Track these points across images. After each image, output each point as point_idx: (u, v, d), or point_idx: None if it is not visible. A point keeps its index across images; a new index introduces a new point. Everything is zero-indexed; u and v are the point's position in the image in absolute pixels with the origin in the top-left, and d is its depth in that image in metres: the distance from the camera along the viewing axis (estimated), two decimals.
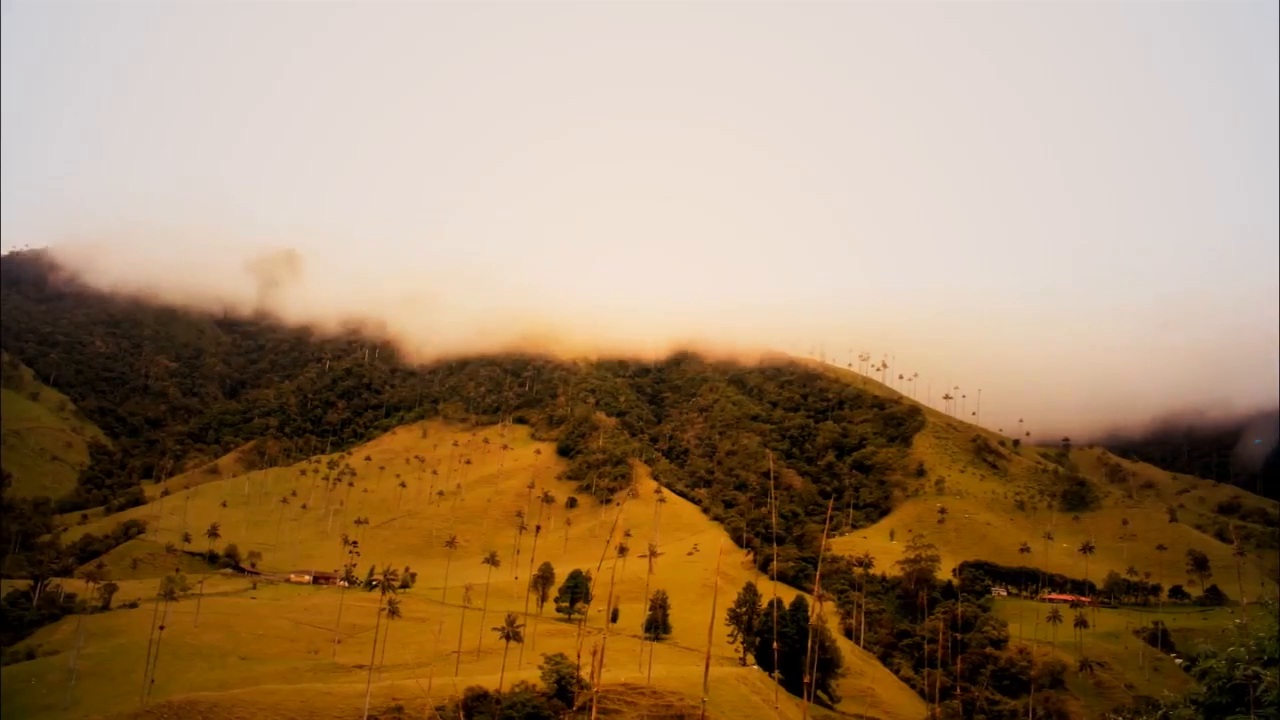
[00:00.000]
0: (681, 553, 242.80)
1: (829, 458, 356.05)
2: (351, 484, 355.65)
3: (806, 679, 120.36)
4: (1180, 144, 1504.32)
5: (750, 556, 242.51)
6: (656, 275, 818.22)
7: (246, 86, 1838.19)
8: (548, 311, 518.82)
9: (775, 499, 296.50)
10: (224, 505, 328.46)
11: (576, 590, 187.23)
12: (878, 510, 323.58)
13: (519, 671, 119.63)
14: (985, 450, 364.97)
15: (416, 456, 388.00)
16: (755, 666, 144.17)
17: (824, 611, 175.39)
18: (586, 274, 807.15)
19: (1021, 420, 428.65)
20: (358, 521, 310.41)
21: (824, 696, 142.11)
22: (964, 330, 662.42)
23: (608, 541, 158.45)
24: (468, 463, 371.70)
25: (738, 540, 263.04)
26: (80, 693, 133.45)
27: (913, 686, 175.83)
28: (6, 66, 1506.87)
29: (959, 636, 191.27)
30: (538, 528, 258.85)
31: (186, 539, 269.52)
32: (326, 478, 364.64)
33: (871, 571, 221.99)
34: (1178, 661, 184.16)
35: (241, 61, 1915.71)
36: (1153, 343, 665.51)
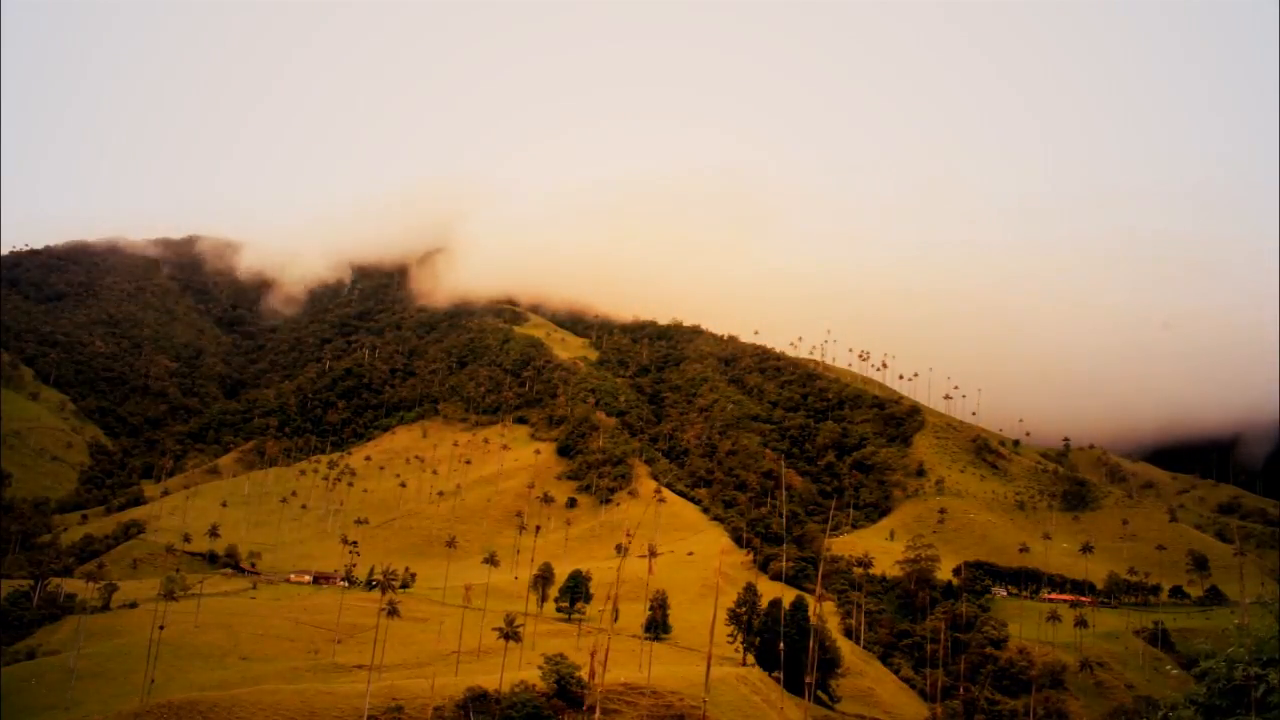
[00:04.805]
0: (681, 553, 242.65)
1: (829, 458, 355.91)
2: (351, 484, 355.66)
3: (807, 679, 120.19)
4: (1179, 142, 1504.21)
5: (750, 556, 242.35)
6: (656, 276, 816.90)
7: (246, 87, 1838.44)
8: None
9: (781, 501, 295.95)
10: (224, 505, 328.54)
11: (576, 590, 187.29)
12: (878, 510, 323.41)
13: (519, 671, 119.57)
14: (985, 450, 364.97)
15: (416, 456, 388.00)
16: (755, 666, 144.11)
17: (824, 611, 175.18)
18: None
19: (1021, 420, 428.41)
20: (358, 521, 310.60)
21: (824, 696, 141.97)
22: (964, 329, 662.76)
23: (620, 546, 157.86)
24: (468, 463, 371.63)
25: (738, 540, 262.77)
26: (80, 693, 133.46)
27: (913, 686, 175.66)
28: (7, 66, 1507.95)
29: (959, 636, 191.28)
30: (537, 528, 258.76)
31: (186, 539, 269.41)
32: (326, 478, 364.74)
33: (871, 571, 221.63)
34: (1177, 665, 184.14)
35: (241, 62, 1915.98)
36: (1153, 342, 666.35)
